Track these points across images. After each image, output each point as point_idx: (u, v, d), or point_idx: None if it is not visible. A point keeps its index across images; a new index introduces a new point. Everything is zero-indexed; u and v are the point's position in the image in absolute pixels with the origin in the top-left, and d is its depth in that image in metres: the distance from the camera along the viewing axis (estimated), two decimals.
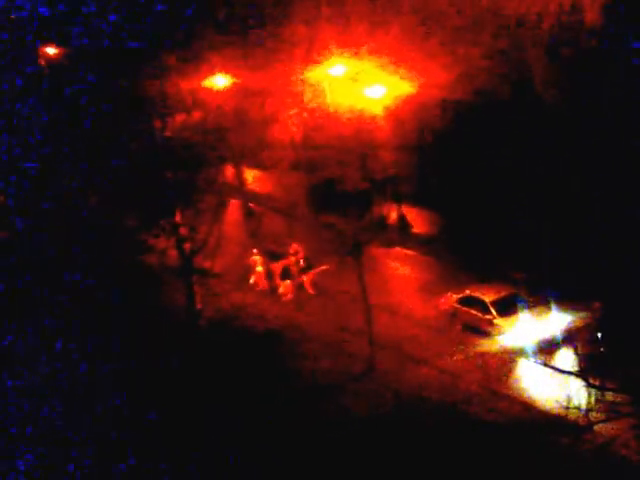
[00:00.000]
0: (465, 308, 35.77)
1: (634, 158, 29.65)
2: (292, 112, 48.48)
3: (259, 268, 41.95)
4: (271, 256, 42.18)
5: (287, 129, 49.10)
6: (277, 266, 41.48)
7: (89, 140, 36.05)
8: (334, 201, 43.37)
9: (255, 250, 42.56)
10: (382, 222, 43.61)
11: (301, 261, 41.30)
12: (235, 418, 31.36)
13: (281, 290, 40.85)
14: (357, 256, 35.06)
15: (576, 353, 30.03)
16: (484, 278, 36.89)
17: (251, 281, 42.07)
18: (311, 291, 40.80)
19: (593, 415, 27.34)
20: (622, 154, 30.09)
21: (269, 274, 41.85)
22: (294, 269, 41.14)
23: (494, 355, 33.69)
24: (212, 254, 36.92)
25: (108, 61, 35.21)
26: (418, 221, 44.85)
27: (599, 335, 30.07)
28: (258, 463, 29.20)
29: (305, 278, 40.90)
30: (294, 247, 41.58)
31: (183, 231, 35.82)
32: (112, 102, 35.84)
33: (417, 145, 44.26)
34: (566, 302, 33.15)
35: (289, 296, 40.62)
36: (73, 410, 29.87)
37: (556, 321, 33.30)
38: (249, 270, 42.27)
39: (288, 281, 40.90)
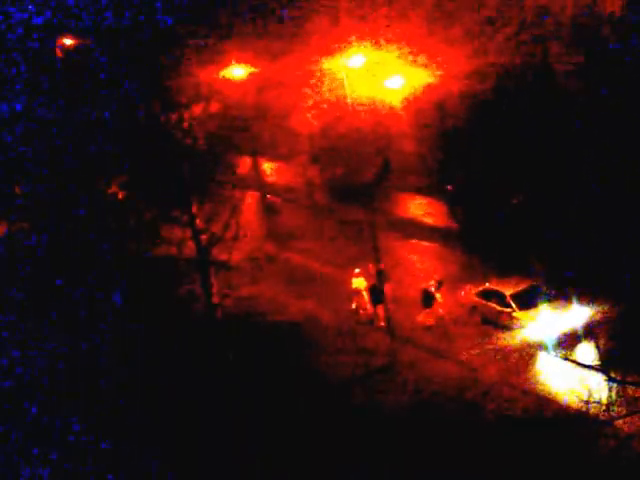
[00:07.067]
0: (484, 301, 35.46)
1: None
2: (310, 103, 48.29)
3: (364, 293, 37.16)
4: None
5: (305, 120, 48.86)
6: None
7: (107, 131, 35.97)
8: (352, 193, 43.21)
9: (357, 270, 37.53)
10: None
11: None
12: (253, 412, 31.30)
13: (420, 319, 35.96)
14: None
15: (597, 347, 29.72)
16: (504, 271, 36.53)
17: (353, 306, 37.61)
18: (382, 323, 36.17)
19: (614, 410, 27.07)
20: None
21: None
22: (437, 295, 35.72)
23: (514, 349, 33.32)
24: (229, 246, 36.71)
25: (124, 51, 35.09)
26: (437, 213, 44.52)
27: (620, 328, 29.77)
28: (276, 456, 29.17)
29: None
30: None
31: (199, 222, 35.64)
32: (129, 93, 35.75)
33: (437, 136, 43.92)
34: (587, 295, 32.81)
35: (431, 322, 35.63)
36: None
37: (577, 314, 32.91)
38: (352, 295, 37.70)
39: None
